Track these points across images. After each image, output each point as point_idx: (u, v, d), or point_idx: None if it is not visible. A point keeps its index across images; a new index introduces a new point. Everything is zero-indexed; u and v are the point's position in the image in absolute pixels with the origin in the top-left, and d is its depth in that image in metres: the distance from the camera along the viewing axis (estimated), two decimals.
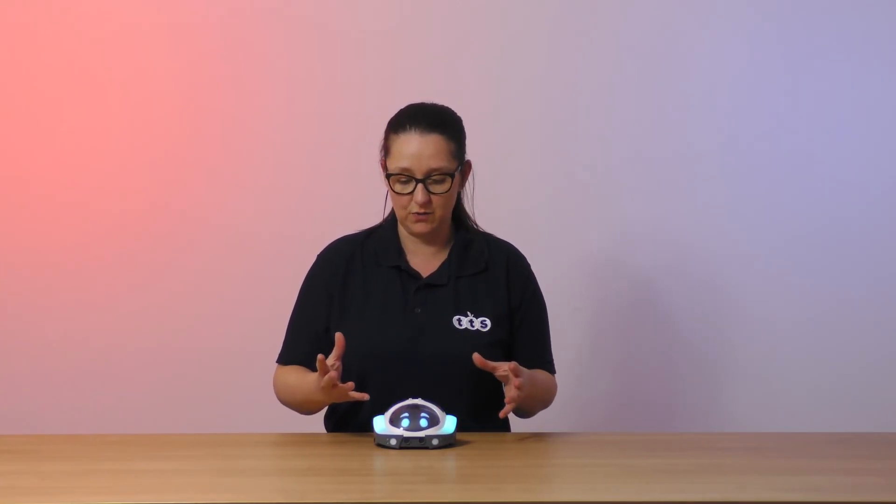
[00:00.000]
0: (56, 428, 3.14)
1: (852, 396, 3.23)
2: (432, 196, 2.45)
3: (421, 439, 2.22)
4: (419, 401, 2.27)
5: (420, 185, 2.44)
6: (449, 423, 2.25)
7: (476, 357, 2.32)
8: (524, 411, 2.53)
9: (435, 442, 2.23)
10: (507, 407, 2.32)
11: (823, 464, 2.18)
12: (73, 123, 3.27)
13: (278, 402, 2.54)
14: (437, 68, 3.22)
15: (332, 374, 2.27)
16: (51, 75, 3.26)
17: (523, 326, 2.54)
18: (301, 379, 2.45)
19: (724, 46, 3.25)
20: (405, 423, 2.23)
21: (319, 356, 2.27)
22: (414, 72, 3.22)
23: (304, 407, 2.48)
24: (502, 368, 2.33)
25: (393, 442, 2.23)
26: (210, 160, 3.27)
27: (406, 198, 2.46)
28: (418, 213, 2.46)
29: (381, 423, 2.25)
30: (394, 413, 2.25)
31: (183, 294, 3.27)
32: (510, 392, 2.32)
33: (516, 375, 2.31)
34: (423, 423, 2.23)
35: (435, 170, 2.44)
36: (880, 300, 3.25)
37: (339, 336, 2.31)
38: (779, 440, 2.42)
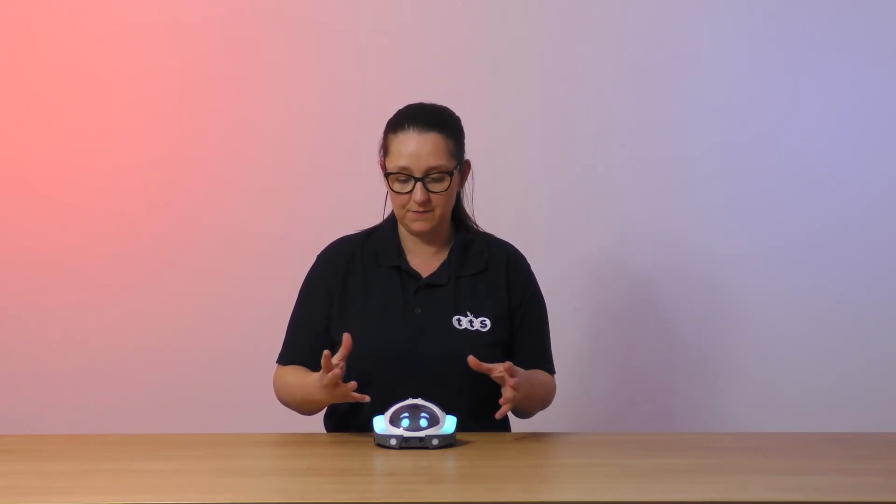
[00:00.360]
0: (56, 428, 3.14)
1: (852, 396, 3.23)
2: (431, 195, 2.45)
3: (421, 439, 2.22)
4: (419, 401, 2.27)
5: (419, 184, 2.44)
6: (449, 423, 2.25)
7: (471, 360, 2.31)
8: (523, 412, 2.53)
9: (435, 442, 2.23)
10: (504, 408, 2.31)
11: (823, 464, 2.18)
12: (74, 124, 3.27)
13: (278, 402, 2.54)
14: (437, 68, 3.22)
15: (336, 371, 2.27)
16: (51, 76, 3.26)
17: (523, 326, 2.54)
18: (301, 378, 2.45)
19: (724, 47, 3.24)
20: (405, 423, 2.23)
21: (326, 352, 2.27)
22: (414, 72, 3.22)
23: (303, 407, 2.48)
24: (497, 370, 2.32)
25: (393, 442, 2.23)
26: (210, 160, 3.27)
27: (405, 197, 2.46)
28: (417, 212, 2.46)
29: (381, 423, 2.25)
30: (394, 413, 2.25)
31: (183, 294, 3.27)
32: (506, 393, 2.32)
33: (511, 375, 2.31)
34: (423, 423, 2.23)
35: (433, 168, 2.44)
36: (880, 300, 3.25)
37: (346, 336, 2.30)
38: (779, 440, 2.42)
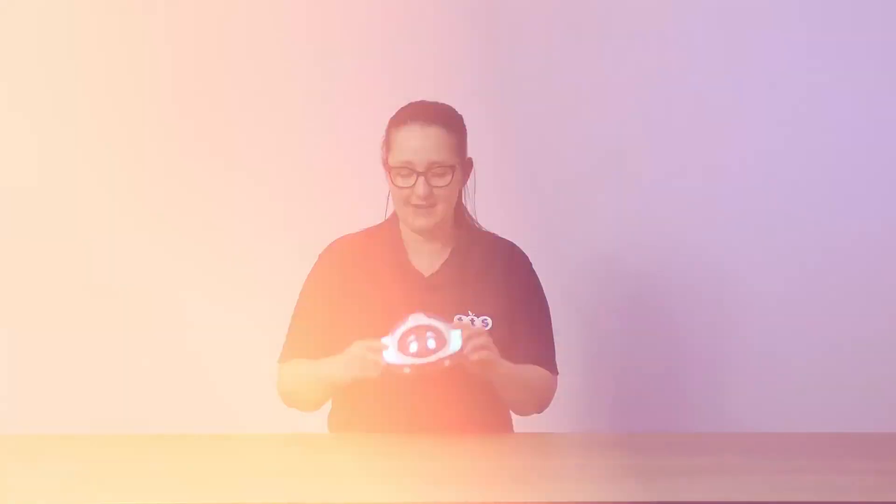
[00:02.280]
0: (56, 428, 3.14)
1: (852, 396, 3.23)
2: (433, 189, 2.45)
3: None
4: (422, 319, 2.27)
5: (421, 178, 2.43)
6: (455, 339, 2.26)
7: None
8: (510, 399, 2.49)
9: (447, 363, 2.24)
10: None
11: (823, 464, 2.18)
12: (75, 124, 3.27)
13: (279, 402, 2.53)
14: (437, 68, 3.22)
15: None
16: (51, 76, 3.26)
17: (517, 321, 2.51)
18: (317, 361, 2.44)
19: (725, 46, 3.25)
20: (413, 347, 2.24)
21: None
22: (415, 72, 3.22)
23: (312, 388, 2.45)
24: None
25: (407, 371, 2.24)
26: (210, 160, 3.27)
27: (407, 191, 2.46)
28: (419, 207, 2.46)
29: (391, 354, 2.26)
30: (400, 339, 2.26)
31: (183, 294, 3.26)
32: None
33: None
34: (431, 343, 2.24)
35: (436, 162, 2.44)
36: (880, 300, 3.25)
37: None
38: (779, 440, 2.42)
